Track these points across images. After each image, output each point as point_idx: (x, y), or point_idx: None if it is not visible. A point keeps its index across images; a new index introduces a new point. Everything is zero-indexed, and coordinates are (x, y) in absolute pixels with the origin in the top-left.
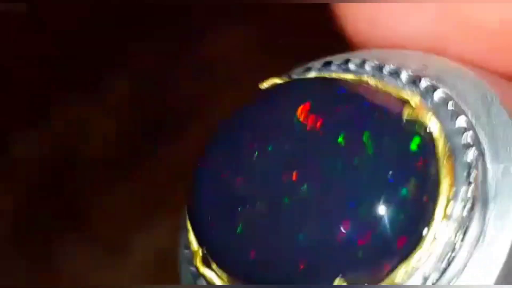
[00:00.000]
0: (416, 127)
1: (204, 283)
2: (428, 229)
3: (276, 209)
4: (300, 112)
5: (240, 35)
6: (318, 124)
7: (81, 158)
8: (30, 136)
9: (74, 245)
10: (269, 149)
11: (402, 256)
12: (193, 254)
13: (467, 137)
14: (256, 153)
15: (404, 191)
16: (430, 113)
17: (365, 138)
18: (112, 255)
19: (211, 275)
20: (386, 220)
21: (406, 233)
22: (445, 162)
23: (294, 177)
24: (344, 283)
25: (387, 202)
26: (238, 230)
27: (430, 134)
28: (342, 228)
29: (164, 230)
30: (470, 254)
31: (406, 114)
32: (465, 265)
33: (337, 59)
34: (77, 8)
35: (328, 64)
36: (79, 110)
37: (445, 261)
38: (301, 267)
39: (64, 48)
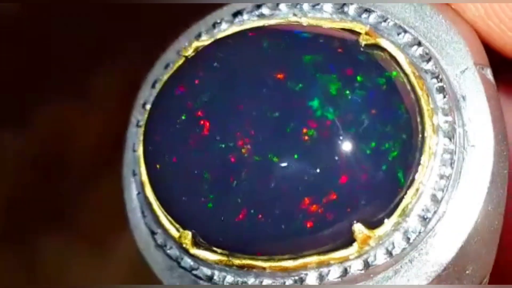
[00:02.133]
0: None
1: (191, 263)
2: (424, 143)
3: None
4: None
5: None
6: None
7: (67, 157)
8: (17, 135)
9: (59, 242)
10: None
11: (410, 180)
12: (172, 238)
13: (420, 49)
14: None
15: (402, 108)
16: (382, 37)
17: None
18: (97, 251)
19: (205, 253)
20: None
21: (405, 153)
22: (414, 75)
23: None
24: (360, 224)
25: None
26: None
27: (390, 53)
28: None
29: None
30: (463, 156)
31: (362, 40)
32: (461, 168)
33: (246, 6)
34: (64, 8)
35: (239, 13)
36: (65, 109)
37: (448, 167)
38: (312, 220)
39: (53, 48)
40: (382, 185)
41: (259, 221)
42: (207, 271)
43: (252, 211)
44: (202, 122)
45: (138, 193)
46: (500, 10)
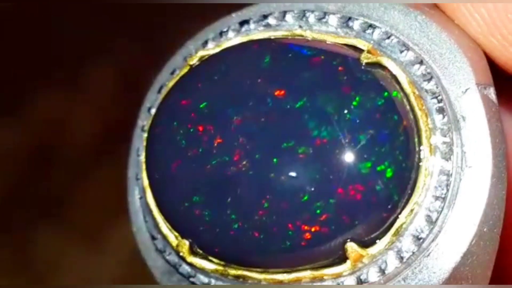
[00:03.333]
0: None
1: (189, 270)
2: (420, 164)
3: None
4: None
5: None
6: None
7: (60, 149)
8: (10, 126)
9: (52, 233)
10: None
11: (405, 198)
12: (171, 245)
13: (422, 67)
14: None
15: (400, 128)
16: (383, 55)
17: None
18: (89, 243)
19: (202, 262)
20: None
21: (399, 173)
22: (414, 95)
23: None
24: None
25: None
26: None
27: (391, 72)
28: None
29: None
30: (460, 177)
31: (363, 57)
32: (457, 189)
33: (253, 16)
34: (59, 3)
35: (246, 23)
36: (57, 101)
37: (444, 188)
38: (307, 236)
39: (47, 43)
40: (377, 205)
41: (253, 236)
42: (204, 279)
43: (246, 225)
44: (200, 134)
45: (141, 198)
46: (503, 26)
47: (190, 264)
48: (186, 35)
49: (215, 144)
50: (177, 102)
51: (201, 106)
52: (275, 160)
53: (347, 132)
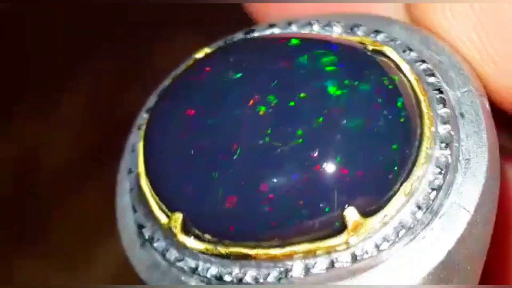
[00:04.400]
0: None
1: (177, 254)
2: (421, 144)
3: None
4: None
5: (189, 44)
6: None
7: (42, 171)
8: None
9: (35, 259)
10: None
11: (403, 178)
12: (161, 226)
13: (424, 65)
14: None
15: (403, 107)
16: (387, 47)
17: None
18: (73, 267)
19: (192, 242)
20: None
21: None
22: (417, 81)
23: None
24: (355, 211)
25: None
26: (216, 188)
27: (394, 62)
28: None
29: (118, 249)
30: (457, 168)
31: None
32: (455, 177)
33: (259, 25)
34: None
35: (251, 31)
36: (31, 127)
37: (443, 171)
38: (301, 203)
39: (25, 63)
40: (377, 178)
41: (247, 208)
42: (191, 262)
43: (240, 199)
44: (195, 121)
45: (131, 189)
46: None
47: (179, 245)
48: (161, 56)
49: (210, 130)
50: (177, 93)
51: (199, 95)
52: (280, 125)
53: (351, 106)
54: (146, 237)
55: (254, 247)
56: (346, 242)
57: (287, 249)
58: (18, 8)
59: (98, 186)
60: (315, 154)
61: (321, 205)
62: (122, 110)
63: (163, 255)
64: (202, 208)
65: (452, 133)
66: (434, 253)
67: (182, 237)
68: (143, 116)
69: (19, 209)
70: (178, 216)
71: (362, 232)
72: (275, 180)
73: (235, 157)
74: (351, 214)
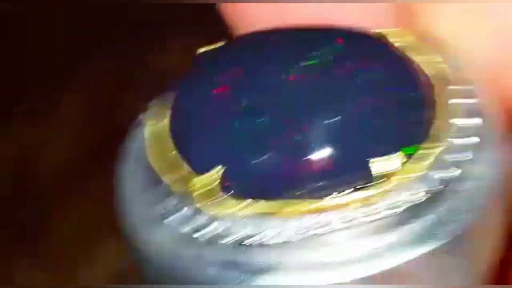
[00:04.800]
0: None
1: (205, 218)
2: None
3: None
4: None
5: (190, 46)
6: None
7: (41, 171)
8: None
9: (35, 258)
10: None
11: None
12: (193, 187)
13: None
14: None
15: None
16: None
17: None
18: (73, 267)
19: (227, 200)
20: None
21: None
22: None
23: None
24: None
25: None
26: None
27: None
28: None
29: (118, 249)
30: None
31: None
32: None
33: None
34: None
35: None
36: (31, 127)
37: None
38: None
39: (20, 64)
40: (406, 131)
41: (279, 164)
42: (220, 226)
43: (271, 154)
44: (228, 90)
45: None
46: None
47: (212, 207)
48: (161, 56)
49: (243, 99)
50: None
51: (228, 68)
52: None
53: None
54: (172, 206)
55: (283, 206)
56: (379, 194)
57: (318, 204)
58: (18, 8)
59: (98, 186)
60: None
61: (349, 160)
62: (122, 110)
63: (193, 219)
64: (239, 164)
65: (467, 124)
66: (465, 209)
67: (219, 197)
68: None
69: (19, 209)
70: (220, 169)
71: (392, 182)
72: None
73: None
74: (377, 164)
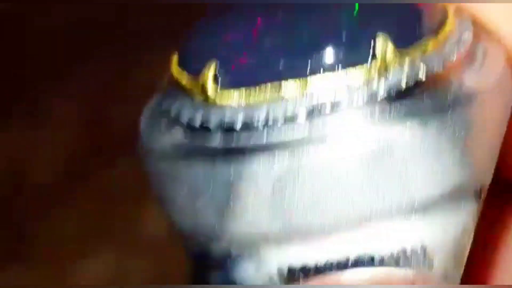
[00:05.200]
0: None
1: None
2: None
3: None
4: None
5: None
6: None
7: (25, 184)
8: None
9: (22, 271)
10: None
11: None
12: (202, 79)
13: None
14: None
15: None
16: None
17: None
18: (61, 279)
19: (224, 93)
20: None
21: None
22: None
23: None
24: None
25: None
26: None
27: None
28: None
29: (109, 257)
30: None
31: None
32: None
33: None
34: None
35: None
36: (17, 137)
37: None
38: None
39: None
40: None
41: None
42: (230, 113)
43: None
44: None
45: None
46: None
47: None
48: (148, 71)
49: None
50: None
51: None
52: None
53: None
54: (183, 101)
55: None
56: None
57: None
58: (18, 8)
59: (88, 194)
60: None
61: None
62: (117, 111)
63: (207, 104)
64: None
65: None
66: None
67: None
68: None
69: (5, 217)
70: (212, 64)
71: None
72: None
73: None
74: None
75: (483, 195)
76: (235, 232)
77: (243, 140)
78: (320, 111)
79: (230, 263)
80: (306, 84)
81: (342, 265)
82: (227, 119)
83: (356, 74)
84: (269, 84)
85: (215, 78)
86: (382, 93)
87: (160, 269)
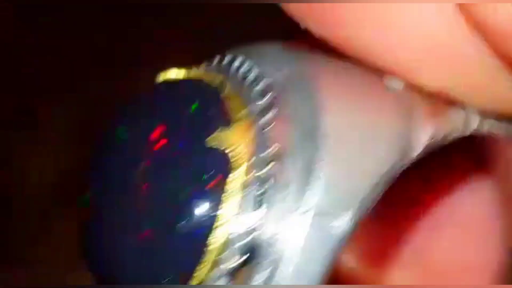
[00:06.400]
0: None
1: None
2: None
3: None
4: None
5: (182, 58)
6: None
7: (18, 198)
8: None
9: (22, 281)
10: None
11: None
12: None
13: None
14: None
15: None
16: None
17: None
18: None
19: None
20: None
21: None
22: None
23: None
24: None
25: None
26: None
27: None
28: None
29: None
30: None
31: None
32: None
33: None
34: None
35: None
36: (21, 139)
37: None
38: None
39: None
40: None
41: None
42: None
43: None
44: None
45: None
46: None
47: None
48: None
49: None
50: None
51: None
52: None
53: None
54: None
55: None
56: None
57: None
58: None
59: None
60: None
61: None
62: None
63: None
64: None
65: None
66: None
67: None
68: None
69: (3, 232)
70: None
71: None
72: None
73: None
74: None
75: None
76: None
77: None
78: None
79: None
80: None
81: None
82: None
83: None
84: None
85: None
86: None
87: None
